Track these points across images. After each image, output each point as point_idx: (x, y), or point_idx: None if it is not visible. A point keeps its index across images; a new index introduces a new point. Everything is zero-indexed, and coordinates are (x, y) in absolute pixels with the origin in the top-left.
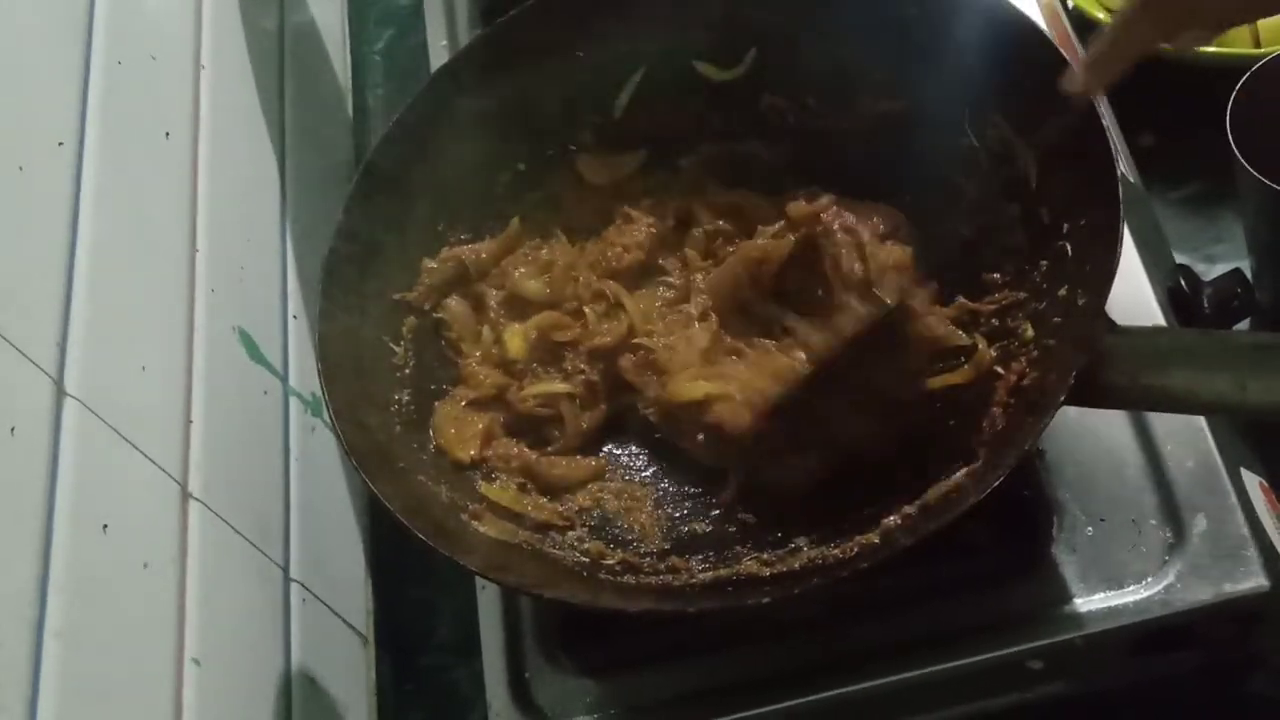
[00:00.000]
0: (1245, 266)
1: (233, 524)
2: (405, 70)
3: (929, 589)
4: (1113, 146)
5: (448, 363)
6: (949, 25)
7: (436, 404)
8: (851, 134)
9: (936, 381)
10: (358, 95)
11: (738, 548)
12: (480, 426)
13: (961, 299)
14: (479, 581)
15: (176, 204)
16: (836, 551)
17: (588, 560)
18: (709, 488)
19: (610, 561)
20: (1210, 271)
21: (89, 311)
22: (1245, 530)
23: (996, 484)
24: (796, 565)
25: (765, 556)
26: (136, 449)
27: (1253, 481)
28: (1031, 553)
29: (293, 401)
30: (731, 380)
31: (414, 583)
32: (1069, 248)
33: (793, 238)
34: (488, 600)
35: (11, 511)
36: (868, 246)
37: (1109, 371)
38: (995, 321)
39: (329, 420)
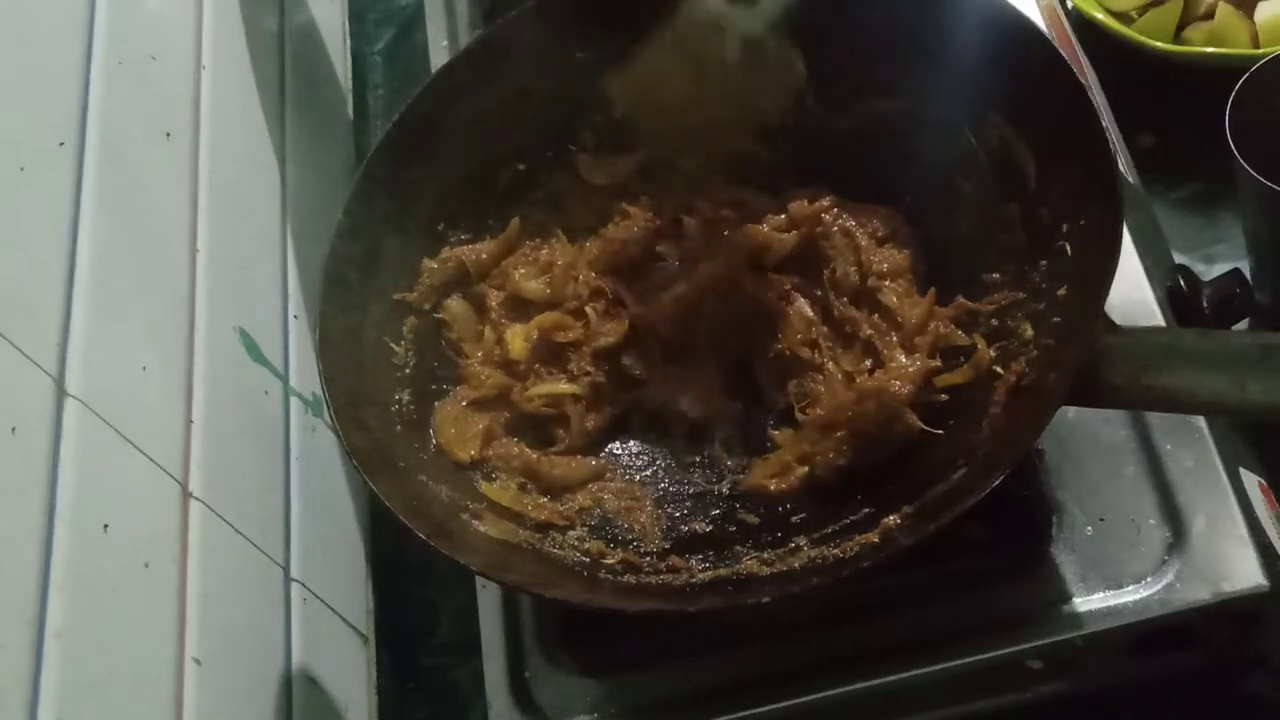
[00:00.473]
0: (1244, 266)
1: (233, 524)
2: (405, 70)
3: (929, 589)
4: (1112, 146)
5: (448, 363)
6: (949, 25)
7: (437, 404)
8: (851, 134)
9: (937, 381)
10: (358, 95)
11: (738, 547)
12: (481, 426)
13: (961, 299)
14: (479, 581)
15: (176, 204)
16: (836, 551)
17: (588, 560)
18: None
19: (610, 561)
20: (1209, 271)
21: (90, 311)
22: (1244, 530)
23: (996, 484)
24: (796, 565)
25: (765, 556)
26: (137, 449)
27: (1252, 481)
28: (1031, 552)
29: (293, 401)
30: None
31: (414, 582)
32: (1069, 248)
33: (795, 233)
34: (488, 600)
35: (12, 511)
36: (864, 252)
37: (1108, 371)
38: (995, 321)
39: (329, 420)
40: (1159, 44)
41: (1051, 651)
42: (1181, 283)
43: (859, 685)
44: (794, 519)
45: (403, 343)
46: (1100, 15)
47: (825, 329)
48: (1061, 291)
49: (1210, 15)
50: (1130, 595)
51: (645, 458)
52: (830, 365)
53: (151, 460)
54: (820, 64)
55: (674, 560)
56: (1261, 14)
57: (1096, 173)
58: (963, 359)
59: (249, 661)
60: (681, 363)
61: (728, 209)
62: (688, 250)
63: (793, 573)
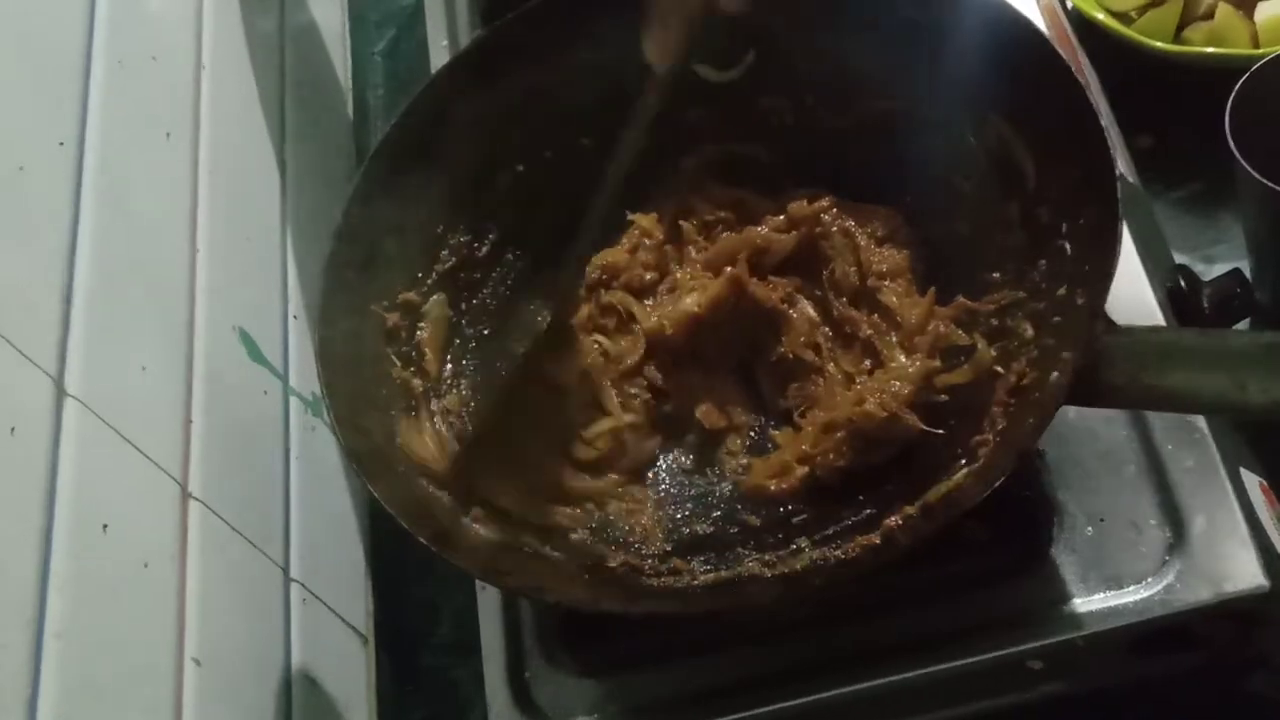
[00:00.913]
0: (1244, 266)
1: (233, 524)
2: (405, 70)
3: (929, 589)
4: (1112, 146)
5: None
6: (948, 25)
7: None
8: (851, 134)
9: (937, 381)
10: (358, 96)
11: (739, 549)
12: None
13: (961, 299)
14: (479, 582)
15: (176, 204)
16: (838, 553)
17: (589, 562)
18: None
19: (612, 564)
20: (1209, 271)
21: (89, 311)
22: (1245, 530)
23: (996, 484)
24: (798, 566)
25: (766, 558)
26: (136, 449)
27: (1252, 481)
28: (1031, 553)
29: (293, 401)
30: None
31: (414, 583)
32: (1068, 247)
33: (795, 233)
34: (488, 600)
35: (12, 511)
36: (863, 252)
37: (1108, 371)
38: (995, 321)
39: (329, 420)
40: (1159, 44)
41: (1052, 652)
42: (1181, 283)
43: (859, 685)
44: (795, 520)
45: (403, 345)
46: (1100, 15)
47: (826, 329)
48: (1061, 291)
49: (1210, 15)
50: (1131, 595)
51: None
52: (831, 367)
53: (151, 460)
54: (820, 64)
55: (675, 562)
56: (1261, 14)
57: (1096, 173)
58: (963, 359)
59: (249, 661)
60: (693, 371)
61: (727, 209)
62: (692, 258)
63: (794, 574)
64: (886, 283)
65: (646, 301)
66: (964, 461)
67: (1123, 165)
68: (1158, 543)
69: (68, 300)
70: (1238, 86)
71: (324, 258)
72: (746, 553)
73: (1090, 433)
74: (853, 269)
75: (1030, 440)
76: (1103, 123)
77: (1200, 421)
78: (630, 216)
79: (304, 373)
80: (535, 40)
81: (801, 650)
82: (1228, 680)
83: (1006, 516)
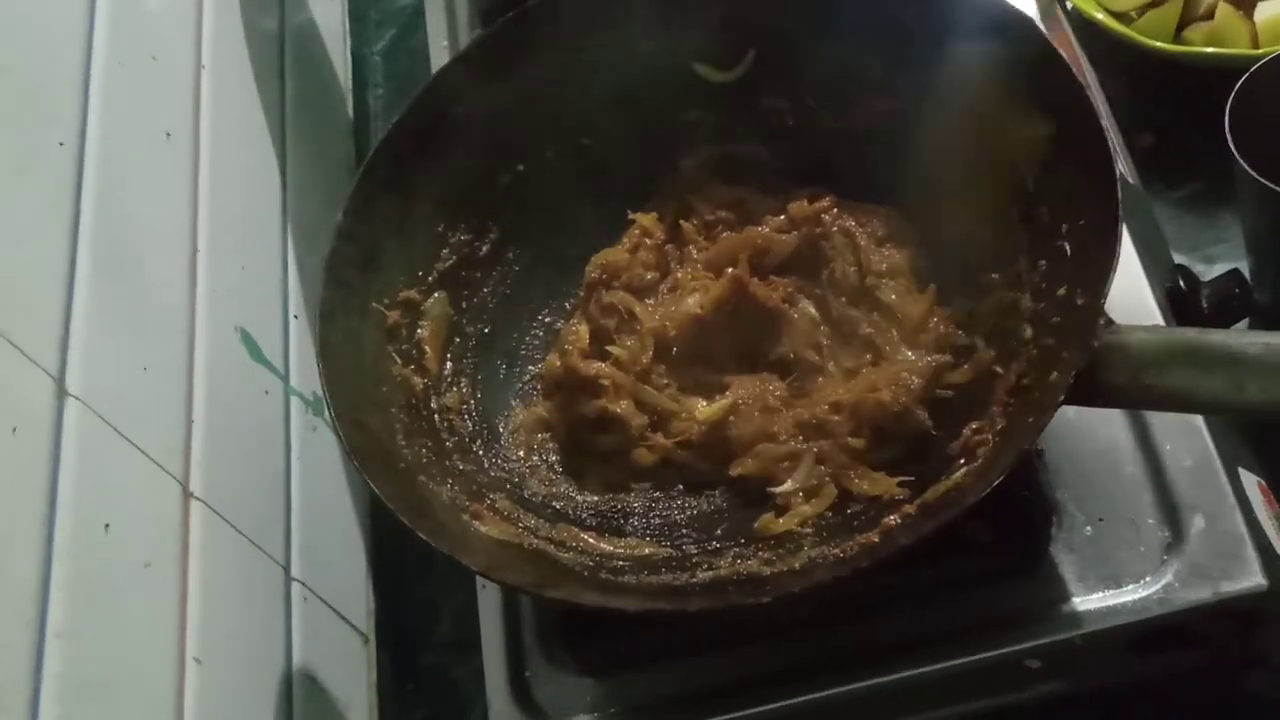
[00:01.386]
0: (1244, 266)
1: (234, 523)
2: (405, 70)
3: (928, 588)
4: (1112, 146)
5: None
6: (948, 25)
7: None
8: (851, 134)
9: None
10: (358, 96)
11: (739, 547)
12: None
13: (962, 299)
14: (479, 581)
15: (176, 204)
16: (837, 551)
17: (588, 560)
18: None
19: (617, 562)
20: (1209, 271)
21: (90, 311)
22: (1243, 530)
23: (996, 484)
24: (796, 565)
25: (765, 556)
26: (137, 449)
27: (1251, 481)
28: (1030, 552)
29: (294, 401)
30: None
31: (414, 582)
32: (1068, 248)
33: (796, 233)
34: (488, 599)
35: (12, 511)
36: (864, 252)
37: (1108, 371)
38: (994, 321)
39: (330, 420)
40: (1159, 44)
41: (1051, 651)
42: (1181, 283)
43: (859, 685)
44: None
45: (403, 343)
46: (1100, 15)
47: (826, 329)
48: (1061, 291)
49: (1210, 15)
50: (1129, 595)
51: None
52: (831, 366)
53: (152, 460)
54: (820, 64)
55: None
56: (1261, 14)
57: (1096, 173)
58: (963, 360)
59: (249, 661)
60: (696, 371)
61: (727, 209)
62: (692, 258)
63: (793, 573)
64: (886, 281)
65: (648, 301)
66: (964, 461)
67: (1122, 165)
68: (1156, 542)
69: (68, 300)
70: (1238, 86)
71: (324, 257)
72: (746, 551)
73: (1090, 432)
74: (853, 268)
75: (1030, 440)
76: (1103, 123)
77: (1199, 421)
78: (631, 215)
79: (305, 372)
80: (535, 39)
81: (801, 650)
82: (1227, 680)
83: (1006, 516)
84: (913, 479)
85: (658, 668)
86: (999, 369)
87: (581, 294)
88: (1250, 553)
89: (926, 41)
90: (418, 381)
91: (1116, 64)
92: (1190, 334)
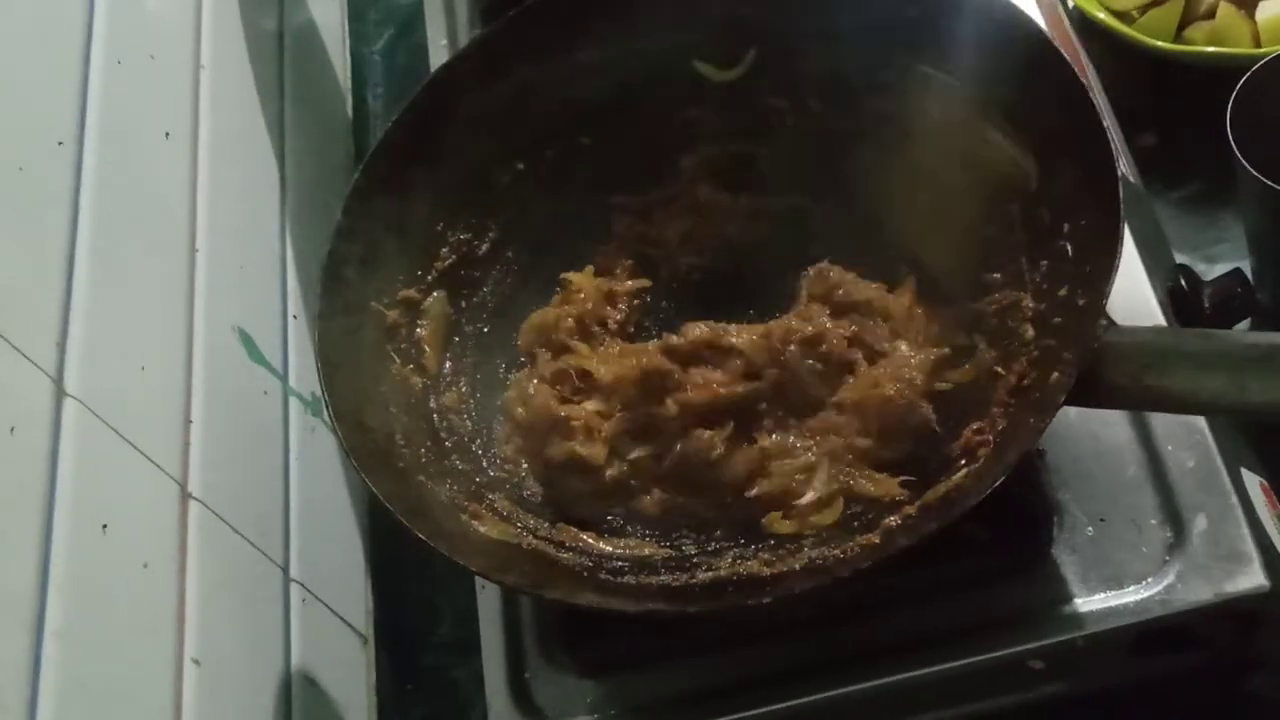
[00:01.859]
0: (1245, 266)
1: (233, 524)
2: (405, 70)
3: (929, 589)
4: (1113, 146)
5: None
6: (949, 25)
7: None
8: (851, 134)
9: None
10: (358, 95)
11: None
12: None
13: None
14: (479, 581)
15: (176, 204)
16: (837, 551)
17: (588, 560)
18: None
19: (617, 562)
20: (1210, 271)
21: (89, 311)
22: (1245, 530)
23: (997, 484)
24: (796, 565)
25: (766, 556)
26: (136, 449)
27: (1253, 481)
28: (1032, 553)
29: (293, 401)
30: None
31: (414, 582)
32: (1069, 248)
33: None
34: (488, 600)
35: (11, 511)
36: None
37: (1109, 371)
38: (995, 322)
39: (329, 420)
40: (1160, 43)
41: (1052, 652)
42: (1182, 283)
43: (859, 685)
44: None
45: (402, 342)
46: (1101, 14)
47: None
48: (1062, 291)
49: (1211, 14)
50: (1131, 595)
51: None
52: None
53: (150, 460)
54: (820, 64)
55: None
56: (1262, 13)
57: (1097, 173)
58: (965, 360)
59: (248, 661)
60: None
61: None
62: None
63: (793, 573)
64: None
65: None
66: (964, 461)
67: (1124, 165)
68: (1158, 543)
69: (67, 300)
70: (1239, 86)
71: (323, 256)
72: (746, 552)
73: (1090, 433)
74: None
75: (1030, 440)
76: (1104, 122)
77: (1201, 422)
78: (565, 276)
79: (304, 373)
80: (535, 39)
81: (801, 650)
82: (1228, 680)
83: (1007, 517)
84: (913, 479)
85: (658, 669)
86: (1000, 369)
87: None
88: (1252, 553)
89: (927, 41)
90: (417, 381)
91: (1117, 64)
92: (1192, 334)
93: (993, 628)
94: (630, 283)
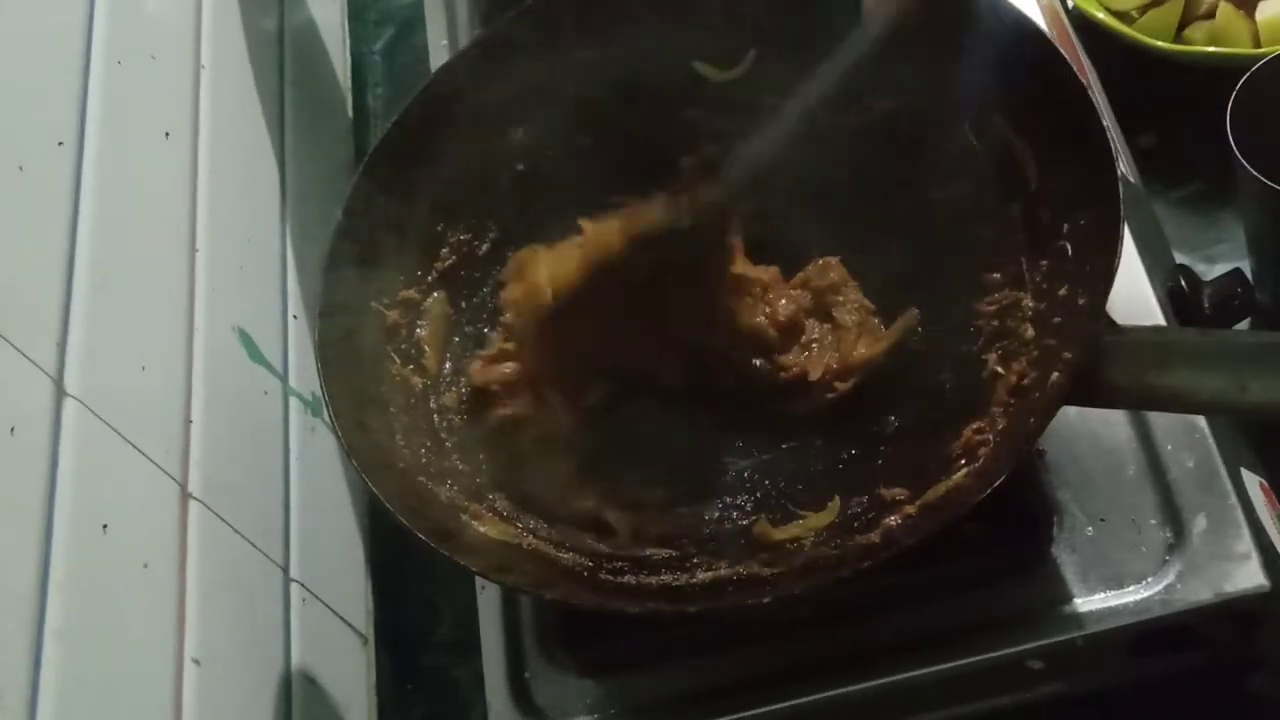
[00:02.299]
0: (1245, 266)
1: (233, 524)
2: (405, 70)
3: (929, 589)
4: (1113, 146)
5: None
6: (949, 25)
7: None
8: (851, 134)
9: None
10: (358, 95)
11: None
12: None
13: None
14: (479, 581)
15: (176, 204)
16: (837, 551)
17: (588, 560)
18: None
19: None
20: (1210, 271)
21: (89, 311)
22: (1245, 530)
23: (997, 484)
24: (797, 565)
25: (765, 556)
26: (136, 449)
27: (1253, 481)
28: (1031, 553)
29: (293, 401)
30: None
31: (414, 582)
32: (1069, 248)
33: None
34: (488, 600)
35: (11, 511)
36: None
37: (1109, 371)
38: (995, 322)
39: (329, 420)
40: (1160, 43)
41: (1052, 652)
42: (1182, 282)
43: (859, 685)
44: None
45: (402, 342)
46: (1101, 15)
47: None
48: (1062, 291)
49: (1211, 14)
50: (1131, 595)
51: None
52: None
53: (151, 460)
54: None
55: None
56: (1262, 13)
57: (1097, 173)
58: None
59: (248, 661)
60: None
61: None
62: None
63: (793, 573)
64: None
65: None
66: (965, 462)
67: (1124, 165)
68: (1158, 543)
69: (67, 300)
70: (1239, 86)
71: (323, 256)
72: (747, 551)
73: (1090, 433)
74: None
75: (1031, 440)
76: (1104, 122)
77: (1201, 421)
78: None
79: (304, 373)
80: (535, 39)
81: (801, 650)
82: (1228, 680)
83: (1007, 516)
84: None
85: (658, 668)
86: (1000, 369)
87: None
88: (1252, 553)
89: (927, 41)
90: (417, 381)
91: (1117, 64)
92: (1192, 334)
93: (993, 628)
94: None
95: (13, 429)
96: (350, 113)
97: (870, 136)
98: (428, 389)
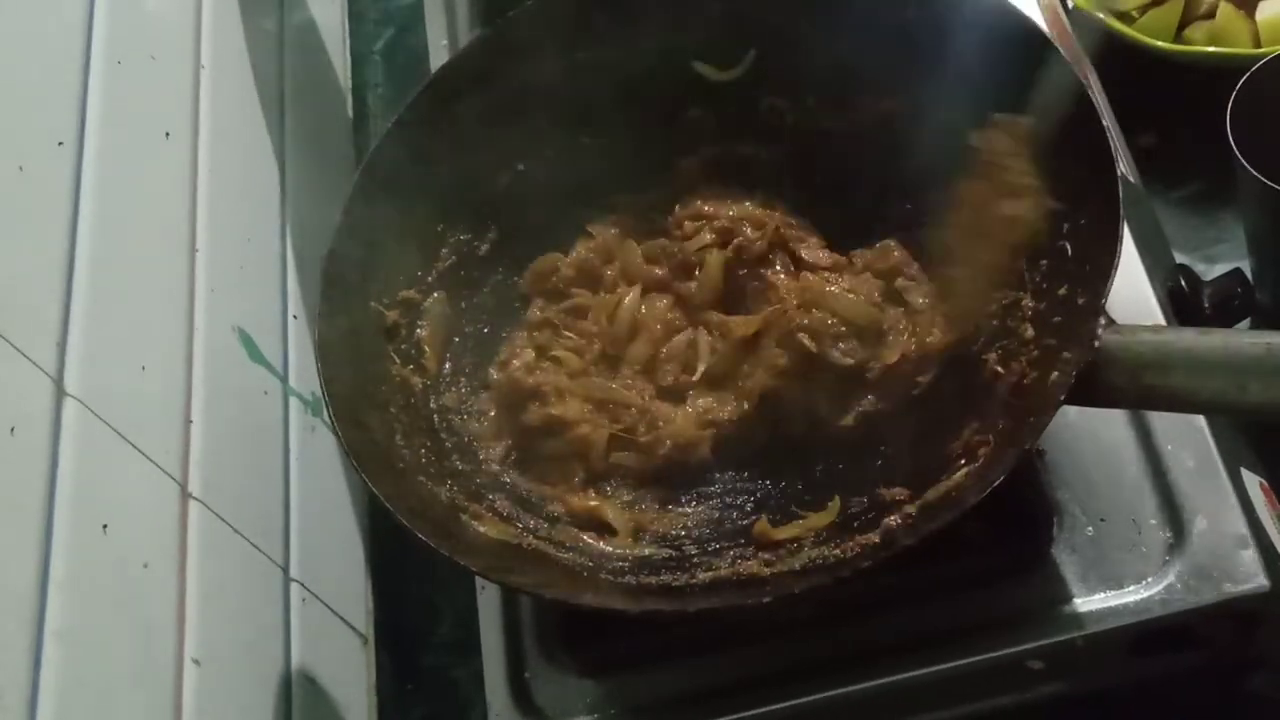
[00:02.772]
0: (1245, 266)
1: (233, 524)
2: (405, 70)
3: (929, 589)
4: (1113, 146)
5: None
6: (949, 25)
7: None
8: (851, 134)
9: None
10: (358, 95)
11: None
12: None
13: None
14: (479, 581)
15: (176, 204)
16: (837, 551)
17: (588, 560)
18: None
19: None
20: (1210, 271)
21: (89, 311)
22: (1245, 530)
23: (997, 484)
24: (797, 565)
25: (765, 556)
26: (136, 449)
27: (1253, 482)
28: (1031, 553)
29: (293, 401)
30: None
31: (414, 582)
32: (1069, 247)
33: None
34: (488, 600)
35: (11, 511)
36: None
37: (1109, 371)
38: (995, 321)
39: (329, 420)
40: (1160, 43)
41: (1052, 652)
42: (1182, 282)
43: (859, 685)
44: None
45: (402, 342)
46: (1101, 15)
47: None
48: (1062, 291)
49: (1211, 14)
50: (1131, 595)
51: None
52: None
53: (151, 460)
54: (820, 64)
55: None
56: (1262, 13)
57: (1097, 172)
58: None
59: (248, 661)
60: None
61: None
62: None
63: (793, 573)
64: None
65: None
66: (964, 461)
67: (1123, 165)
68: (1158, 543)
69: (67, 300)
70: (1239, 86)
71: (323, 257)
72: (746, 552)
73: (1090, 433)
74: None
75: (1030, 440)
76: (1104, 122)
77: (1201, 421)
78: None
79: (304, 373)
80: (535, 39)
81: (801, 650)
82: (1228, 680)
83: (1007, 517)
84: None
85: (658, 668)
86: (1000, 369)
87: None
88: (1252, 554)
89: (927, 41)
90: (417, 381)
91: (1117, 64)
92: (1192, 334)
93: (993, 628)
94: None
95: (13, 429)
96: (350, 113)
97: (869, 137)
98: (428, 389)
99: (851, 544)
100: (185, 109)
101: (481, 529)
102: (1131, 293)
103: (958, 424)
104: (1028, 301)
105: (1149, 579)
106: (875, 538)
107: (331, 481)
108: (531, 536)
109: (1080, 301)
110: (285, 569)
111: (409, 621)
